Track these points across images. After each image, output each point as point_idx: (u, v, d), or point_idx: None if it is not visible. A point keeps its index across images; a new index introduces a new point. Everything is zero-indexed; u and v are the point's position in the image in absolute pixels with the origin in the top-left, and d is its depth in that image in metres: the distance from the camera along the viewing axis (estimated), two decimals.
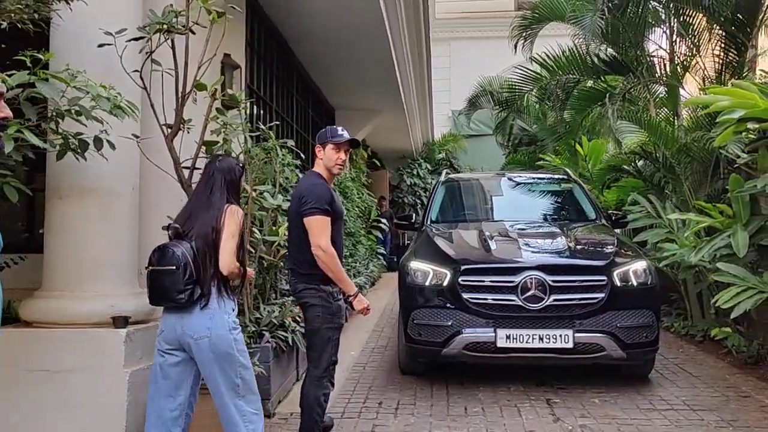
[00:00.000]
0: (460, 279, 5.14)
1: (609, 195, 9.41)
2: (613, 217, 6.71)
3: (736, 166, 6.13)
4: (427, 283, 5.30)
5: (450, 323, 5.11)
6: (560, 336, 4.94)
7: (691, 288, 7.46)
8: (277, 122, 6.87)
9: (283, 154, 5.43)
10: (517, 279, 5.01)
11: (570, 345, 4.93)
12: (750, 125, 4.36)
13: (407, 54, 10.60)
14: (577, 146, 10.40)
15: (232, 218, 3.19)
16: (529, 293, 4.98)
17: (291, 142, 5.53)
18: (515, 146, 16.56)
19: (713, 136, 6.33)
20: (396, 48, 9.63)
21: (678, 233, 6.80)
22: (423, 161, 19.08)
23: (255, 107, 7.62)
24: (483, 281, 5.12)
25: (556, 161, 10.60)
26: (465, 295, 5.11)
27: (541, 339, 4.96)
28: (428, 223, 6.72)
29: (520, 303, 4.98)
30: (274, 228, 5.12)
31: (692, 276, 7.15)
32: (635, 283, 5.14)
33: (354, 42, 8.71)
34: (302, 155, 6.35)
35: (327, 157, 3.81)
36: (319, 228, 3.59)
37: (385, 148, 17.72)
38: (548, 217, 6.80)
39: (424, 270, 5.37)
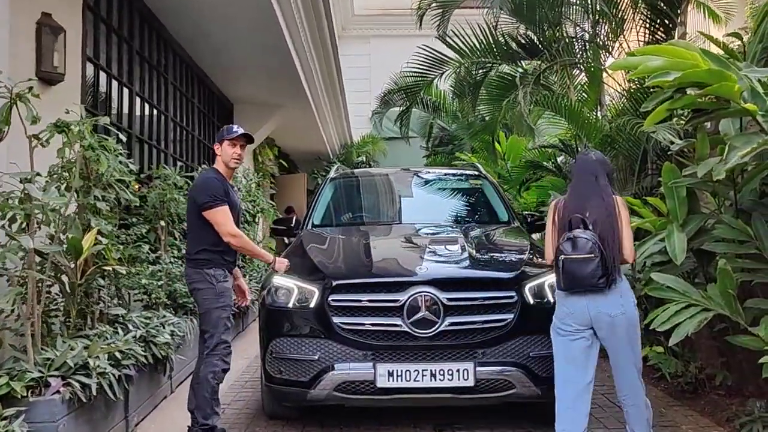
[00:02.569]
0: (330, 298, 3.97)
1: (528, 195, 8.49)
2: (529, 219, 5.66)
3: (669, 153, 5.18)
4: (290, 305, 4.10)
5: (317, 357, 3.94)
6: (458, 371, 3.83)
7: None
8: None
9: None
10: (402, 297, 3.87)
11: (470, 382, 3.82)
12: (691, 92, 3.34)
13: (309, 43, 9.43)
14: (495, 143, 9.47)
15: (624, 207, 3.58)
16: (418, 316, 3.85)
17: (105, 120, 4.22)
18: (435, 147, 15.68)
19: (641, 121, 5.39)
20: (292, 34, 8.44)
21: None
22: (341, 164, 17.89)
23: (107, 87, 6.27)
24: (359, 301, 3.95)
25: (472, 160, 9.61)
26: (336, 320, 3.94)
27: (433, 375, 3.83)
28: (308, 227, 5.52)
29: (407, 329, 3.85)
30: (71, 236, 3.81)
31: None
32: (552, 300, 4.07)
33: (238, 21, 7.46)
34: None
35: (224, 153, 4.18)
36: (223, 217, 3.99)
37: (298, 149, 16.53)
38: (451, 219, 5.66)
39: (287, 287, 4.17)
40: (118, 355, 4.00)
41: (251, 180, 9.70)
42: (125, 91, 6.77)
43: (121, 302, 4.99)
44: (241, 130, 4.22)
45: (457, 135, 12.52)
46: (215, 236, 3.99)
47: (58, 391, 3.44)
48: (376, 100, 14.28)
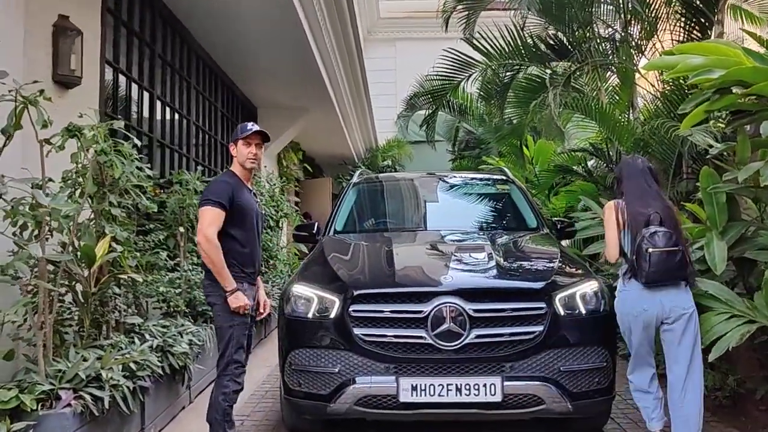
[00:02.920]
0: (351, 309, 3.80)
1: (557, 201, 8.24)
2: (559, 226, 5.44)
3: (707, 156, 4.94)
4: (310, 315, 3.94)
5: (337, 369, 3.77)
6: (484, 386, 3.64)
7: None
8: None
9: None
10: (426, 308, 3.70)
11: (498, 398, 3.62)
12: (737, 90, 3.13)
13: (333, 46, 9.31)
14: (523, 147, 9.24)
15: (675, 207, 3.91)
16: (443, 328, 3.66)
17: (119, 124, 4.11)
18: (461, 151, 15.48)
19: (676, 124, 5.16)
20: (316, 37, 8.33)
21: None
22: (366, 168, 17.76)
23: (127, 91, 6.20)
24: (381, 311, 3.78)
25: (499, 164, 9.39)
26: (357, 331, 3.78)
27: (458, 390, 3.64)
28: (330, 234, 5.37)
29: (431, 341, 3.67)
30: (83, 243, 3.70)
31: None
32: (584, 311, 3.87)
33: (261, 25, 7.37)
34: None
35: (239, 153, 3.93)
36: (206, 218, 3.70)
37: (323, 153, 16.44)
38: (477, 226, 5.45)
39: (307, 296, 4.02)
40: (132, 366, 3.88)
41: (275, 185, 9.58)
42: (146, 94, 6.70)
43: (138, 311, 4.89)
44: (255, 127, 3.93)
45: (484, 139, 12.29)
46: (232, 244, 3.78)
47: (69, 404, 3.33)
48: (401, 103, 14.12)
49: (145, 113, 6.71)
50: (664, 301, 3.71)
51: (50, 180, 3.69)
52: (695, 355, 3.73)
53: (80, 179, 3.91)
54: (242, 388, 3.86)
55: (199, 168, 7.23)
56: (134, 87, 6.42)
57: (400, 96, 18.45)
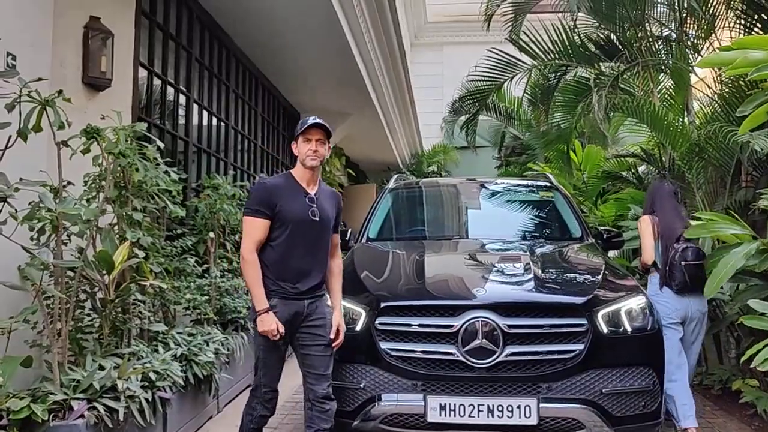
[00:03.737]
0: (377, 321, 3.60)
1: (605, 209, 7.87)
2: (605, 236, 5.12)
3: None
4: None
5: (363, 385, 3.58)
6: (519, 407, 3.38)
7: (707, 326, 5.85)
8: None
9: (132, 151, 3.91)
10: (457, 323, 3.47)
11: (533, 421, 3.36)
12: None
13: (375, 50, 9.15)
14: (571, 153, 8.89)
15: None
16: (475, 344, 3.43)
17: (141, 126, 3.99)
18: (508, 157, 15.13)
19: (734, 128, 4.79)
20: (357, 41, 8.19)
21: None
22: (411, 174, 17.57)
23: (162, 94, 6.13)
24: (409, 325, 3.56)
25: (545, 170, 9.05)
26: (384, 345, 3.57)
27: (490, 411, 3.40)
28: (363, 241, 5.17)
29: (461, 358, 3.44)
30: (100, 249, 3.58)
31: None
32: (629, 329, 3.58)
33: (302, 28, 7.25)
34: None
35: (299, 151, 3.47)
36: (244, 228, 3.40)
37: (367, 159, 16.30)
38: (518, 234, 5.16)
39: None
40: (152, 375, 3.75)
41: None
42: (182, 98, 6.63)
43: (165, 318, 4.78)
44: (315, 120, 3.45)
45: (531, 144, 11.93)
46: (269, 255, 3.38)
47: (82, 416, 3.20)
48: (448, 108, 13.87)
49: (182, 117, 6.64)
50: (691, 304, 4.42)
51: (69, 183, 3.58)
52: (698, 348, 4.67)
53: (103, 183, 3.80)
54: (270, 414, 3.54)
55: (231, 172, 7.11)
56: (170, 91, 6.36)
57: (446, 101, 18.16)
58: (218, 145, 7.75)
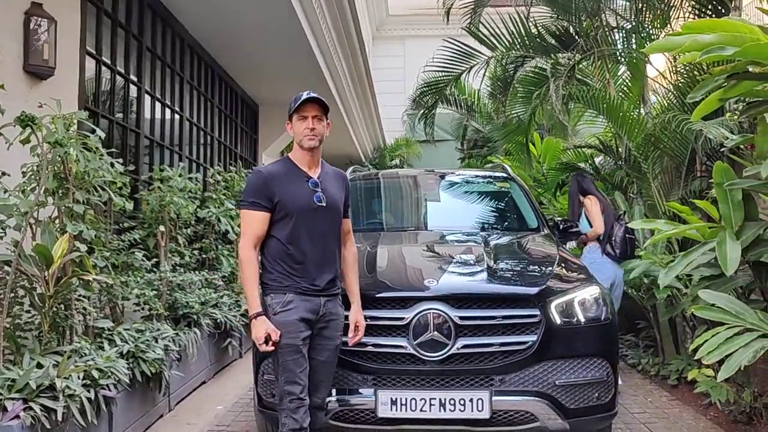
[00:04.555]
0: None
1: (564, 200, 7.90)
2: (561, 226, 5.10)
3: (722, 150, 4.59)
4: None
5: None
6: (471, 401, 3.32)
7: (662, 316, 5.90)
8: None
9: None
10: (408, 315, 3.38)
11: (485, 414, 3.30)
12: (754, 69, 2.79)
13: (334, 42, 9.03)
14: (530, 145, 8.89)
15: None
16: (426, 336, 3.35)
17: (82, 115, 3.83)
18: (470, 149, 15.16)
19: (688, 117, 4.81)
20: (316, 34, 8.07)
21: (646, 246, 5.30)
22: (373, 168, 17.50)
23: (111, 84, 5.94)
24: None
25: (505, 162, 9.05)
26: None
27: (442, 405, 3.33)
28: None
29: (413, 351, 3.36)
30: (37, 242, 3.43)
31: (663, 301, 5.60)
32: (582, 320, 3.54)
33: (256, 18, 7.10)
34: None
35: (295, 132, 3.13)
36: (242, 223, 3.12)
37: (329, 152, 16.10)
38: (473, 225, 5.10)
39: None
40: (95, 373, 3.60)
41: None
42: (133, 89, 6.43)
43: (113, 314, 4.63)
44: (310, 94, 3.11)
45: (492, 137, 11.94)
46: (272, 246, 3.10)
47: (17, 416, 3.05)
48: (410, 101, 13.81)
49: (133, 108, 6.45)
50: (619, 270, 5.52)
51: (4, 174, 3.42)
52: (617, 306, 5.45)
53: (44, 173, 3.64)
54: (301, 428, 3.01)
55: (181, 164, 6.94)
56: (121, 81, 6.16)
57: (408, 94, 18.07)
58: (172, 138, 7.57)
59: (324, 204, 3.13)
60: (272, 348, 2.98)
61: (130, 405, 4.19)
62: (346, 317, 3.27)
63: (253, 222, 3.05)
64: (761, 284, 4.04)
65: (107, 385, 3.69)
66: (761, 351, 3.09)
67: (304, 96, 3.09)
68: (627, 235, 5.54)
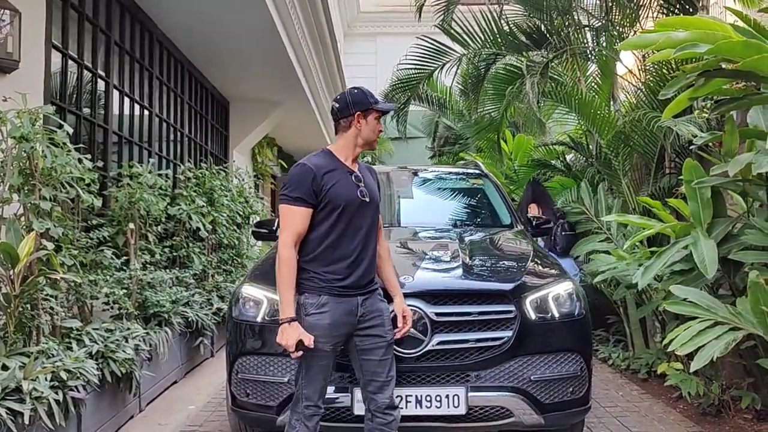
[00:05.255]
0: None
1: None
2: (534, 222, 5.13)
3: (691, 147, 4.66)
4: (259, 318, 3.61)
5: (287, 379, 3.44)
6: (447, 397, 3.32)
7: (632, 310, 5.98)
8: None
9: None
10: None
11: (461, 410, 3.31)
12: (726, 66, 2.83)
13: (306, 38, 8.97)
14: (501, 142, 8.94)
15: None
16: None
17: (48, 110, 3.74)
18: (441, 147, 15.20)
19: (658, 114, 4.87)
20: (288, 30, 8.00)
21: (618, 239, 5.35)
22: None
23: (78, 79, 5.81)
24: None
25: (476, 158, 9.08)
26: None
27: (418, 402, 3.33)
28: None
29: None
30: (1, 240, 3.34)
31: (632, 296, 5.67)
32: (557, 315, 3.56)
33: (226, 12, 7.00)
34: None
35: (368, 128, 3.03)
36: (282, 220, 2.95)
37: (300, 149, 16.05)
38: (447, 222, 5.11)
39: (256, 298, 3.68)
40: (63, 374, 3.52)
41: (244, 180, 9.22)
42: (101, 84, 6.31)
43: (82, 314, 4.53)
44: (384, 101, 3.21)
45: (463, 134, 11.98)
46: (311, 244, 2.96)
47: None
48: (381, 98, 13.76)
49: (101, 103, 6.32)
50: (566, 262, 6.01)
51: None
52: None
53: (5, 169, 3.54)
54: None
55: (151, 160, 6.84)
56: (88, 75, 6.03)
57: (380, 91, 18.09)
58: (142, 134, 7.44)
59: (367, 199, 3.04)
60: (301, 354, 2.87)
61: (100, 406, 4.12)
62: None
63: (296, 218, 2.90)
64: (730, 279, 4.12)
65: (76, 387, 3.62)
66: (732, 343, 3.14)
67: (389, 105, 3.17)
68: (565, 233, 6.34)
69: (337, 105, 3.05)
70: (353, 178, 3.03)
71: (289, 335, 2.82)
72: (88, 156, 4.20)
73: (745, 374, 4.49)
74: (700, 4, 5.63)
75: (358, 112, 3.01)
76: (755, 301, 3.25)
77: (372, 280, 3.10)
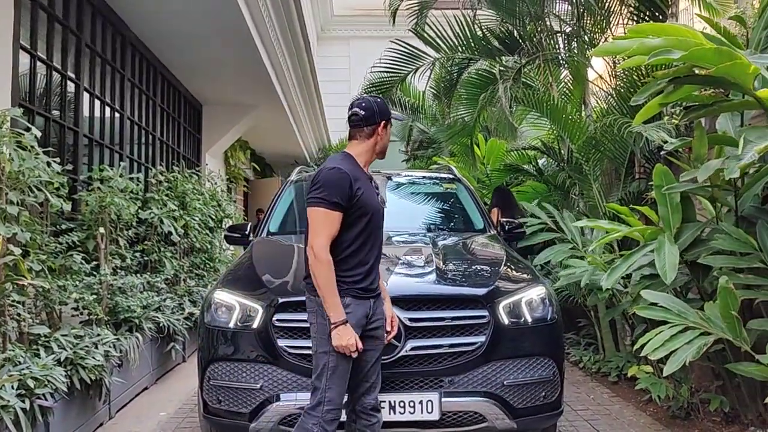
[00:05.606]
0: (275, 318, 3.45)
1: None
2: (507, 227, 5.16)
3: (661, 153, 4.73)
4: (231, 324, 3.58)
5: (260, 385, 3.42)
6: (421, 402, 3.33)
7: (602, 314, 6.05)
8: None
9: None
10: None
11: (435, 416, 3.31)
12: (698, 71, 2.88)
13: (279, 40, 8.92)
14: (474, 146, 8.98)
15: None
16: None
17: (15, 112, 3.68)
18: (415, 151, 15.23)
19: (628, 120, 4.94)
20: (261, 32, 7.96)
21: (584, 248, 5.40)
22: (317, 167, 17.38)
23: (47, 81, 5.72)
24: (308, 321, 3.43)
25: (450, 163, 9.12)
26: (282, 342, 3.43)
27: (392, 408, 3.33)
28: (263, 234, 4.99)
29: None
30: None
31: (603, 300, 5.73)
32: (530, 320, 3.59)
33: (202, 17, 6.97)
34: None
35: (387, 138, 3.14)
36: (318, 223, 2.89)
37: (274, 152, 16.03)
38: (420, 226, 5.12)
39: (228, 303, 3.65)
40: (30, 382, 3.46)
41: (216, 184, 9.14)
42: (72, 86, 6.21)
43: (50, 320, 4.45)
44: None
45: (437, 138, 12.02)
46: (337, 247, 2.95)
47: None
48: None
49: (71, 106, 6.22)
50: None
51: None
52: None
53: None
54: None
55: (122, 163, 6.76)
56: (58, 78, 5.93)
57: (353, 94, 18.02)
58: (113, 137, 7.35)
59: (385, 207, 3.18)
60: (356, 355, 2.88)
61: (69, 414, 4.05)
62: None
63: (334, 223, 2.89)
64: (698, 283, 4.18)
65: (43, 395, 3.56)
66: (704, 347, 3.19)
67: (401, 116, 3.28)
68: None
69: (363, 112, 3.04)
70: (373, 185, 3.11)
71: (349, 335, 2.84)
72: (58, 159, 4.12)
73: (714, 377, 4.56)
74: (670, 12, 5.72)
75: (383, 121, 3.07)
76: (725, 306, 3.31)
77: (378, 284, 3.14)
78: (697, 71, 2.91)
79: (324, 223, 2.88)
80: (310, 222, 2.93)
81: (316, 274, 2.85)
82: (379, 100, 3.13)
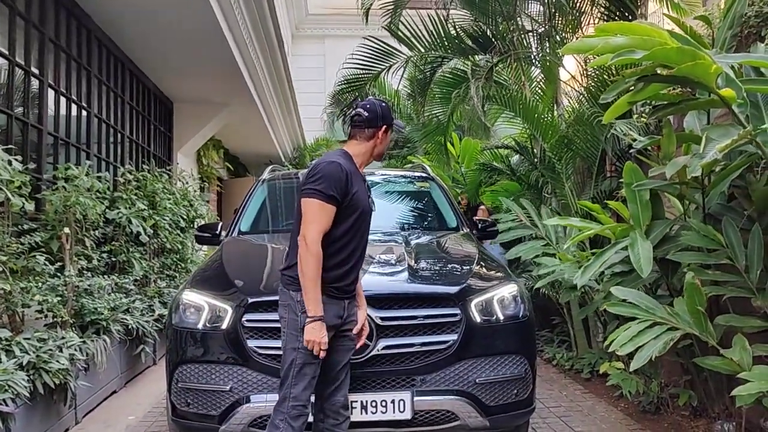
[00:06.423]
0: (244, 318, 3.40)
1: (484, 199, 8.05)
2: (480, 225, 5.16)
3: (631, 151, 4.76)
4: (200, 325, 3.51)
5: (229, 387, 3.36)
6: (393, 402, 3.30)
7: (575, 311, 6.07)
8: None
9: None
10: None
11: (407, 415, 3.29)
12: (662, 71, 2.89)
13: (251, 37, 8.81)
14: (448, 145, 8.99)
15: None
16: None
17: None
18: (390, 150, 15.21)
19: (599, 112, 4.96)
20: (233, 30, 7.85)
21: (558, 245, 5.42)
22: (293, 168, 17.29)
23: (9, 77, 5.58)
24: (278, 321, 3.37)
25: (424, 162, 9.11)
26: (252, 343, 3.38)
27: (364, 408, 3.30)
28: (234, 234, 4.92)
29: None
30: None
31: (576, 297, 5.75)
32: (501, 317, 3.57)
33: (172, 12, 6.84)
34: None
35: (386, 143, 3.18)
36: (312, 215, 2.86)
37: (247, 151, 15.87)
38: (393, 225, 5.09)
39: (197, 304, 3.58)
40: None
41: (188, 183, 9.01)
42: (35, 83, 6.07)
43: (12, 322, 4.34)
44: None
45: (411, 137, 12.01)
46: (333, 250, 2.94)
47: None
48: (330, 100, 13.68)
49: (35, 103, 6.08)
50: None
51: None
52: None
53: None
54: None
55: (88, 162, 6.63)
56: (21, 74, 5.79)
57: (328, 92, 18.02)
58: (79, 135, 7.19)
59: (374, 209, 3.19)
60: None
61: (32, 420, 3.95)
62: None
63: (328, 216, 2.88)
64: (668, 280, 4.20)
65: (4, 400, 3.47)
66: (670, 343, 3.21)
67: (401, 123, 3.27)
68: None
69: (366, 114, 3.05)
70: (366, 185, 3.15)
71: (321, 332, 2.82)
72: (20, 157, 4.01)
73: (683, 372, 4.59)
74: (639, 12, 5.77)
75: (385, 125, 3.08)
76: (691, 302, 3.33)
77: (355, 287, 3.12)
78: (659, 71, 2.91)
79: (318, 214, 2.86)
80: (304, 213, 2.89)
81: (304, 265, 2.81)
82: (383, 104, 3.13)
